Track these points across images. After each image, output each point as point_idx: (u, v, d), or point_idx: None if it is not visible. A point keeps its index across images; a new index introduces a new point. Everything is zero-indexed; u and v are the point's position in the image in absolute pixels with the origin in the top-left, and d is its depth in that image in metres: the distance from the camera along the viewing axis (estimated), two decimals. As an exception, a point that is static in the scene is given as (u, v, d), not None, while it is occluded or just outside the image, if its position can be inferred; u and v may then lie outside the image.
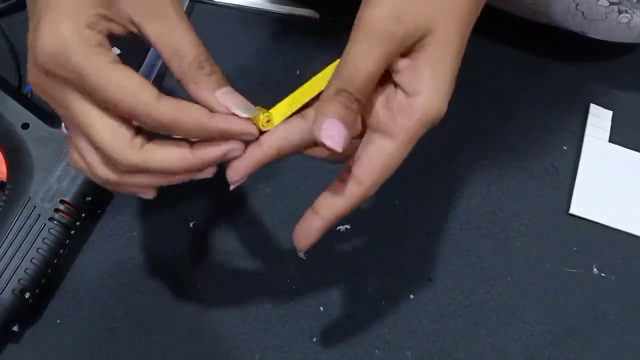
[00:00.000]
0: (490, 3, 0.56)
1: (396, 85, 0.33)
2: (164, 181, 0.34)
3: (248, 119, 0.33)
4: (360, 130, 0.35)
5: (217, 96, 0.32)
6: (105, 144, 0.31)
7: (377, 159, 0.33)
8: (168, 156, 0.32)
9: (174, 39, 0.31)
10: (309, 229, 0.35)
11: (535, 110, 0.56)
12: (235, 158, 0.34)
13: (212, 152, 0.33)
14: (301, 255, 0.36)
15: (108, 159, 0.32)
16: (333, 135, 0.31)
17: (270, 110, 0.34)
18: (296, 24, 0.58)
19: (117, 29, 0.32)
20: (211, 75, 0.32)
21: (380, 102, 0.33)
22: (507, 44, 0.58)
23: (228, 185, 0.51)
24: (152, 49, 0.55)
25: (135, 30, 0.32)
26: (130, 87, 0.30)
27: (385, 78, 0.33)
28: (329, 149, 0.31)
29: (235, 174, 0.34)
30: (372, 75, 0.31)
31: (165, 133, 0.32)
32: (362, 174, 0.33)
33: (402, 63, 0.32)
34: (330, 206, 0.34)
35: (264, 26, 0.58)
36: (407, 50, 0.32)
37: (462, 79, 0.56)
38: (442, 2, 0.32)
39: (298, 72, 0.55)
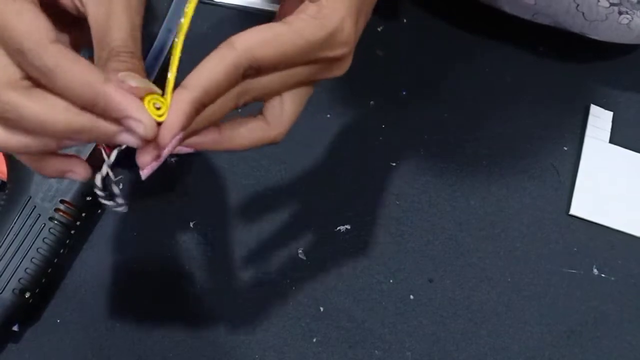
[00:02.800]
0: (491, 4, 0.56)
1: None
2: (35, 147, 0.30)
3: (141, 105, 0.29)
4: None
5: (119, 76, 0.29)
6: (19, 29, 0.28)
7: (261, 30, 0.30)
8: (54, 104, 0.28)
9: (105, 25, 0.30)
10: (172, 108, 0.29)
11: (536, 111, 0.56)
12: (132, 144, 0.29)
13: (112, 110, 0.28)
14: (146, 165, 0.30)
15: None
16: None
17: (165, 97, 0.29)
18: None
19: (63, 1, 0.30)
20: (123, 62, 0.30)
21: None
22: (508, 44, 0.58)
23: (228, 185, 0.51)
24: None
25: (80, 7, 0.30)
26: (25, 29, 0.28)
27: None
28: None
29: (169, 132, 0.29)
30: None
31: (46, 83, 0.28)
32: (238, 38, 0.30)
33: None
34: (196, 73, 0.29)
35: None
36: None
37: (462, 79, 0.57)
38: None
39: (298, 72, 0.55)
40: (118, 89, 0.29)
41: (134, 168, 0.51)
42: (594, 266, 0.50)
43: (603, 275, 0.50)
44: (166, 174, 0.51)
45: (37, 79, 0.29)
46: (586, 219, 0.52)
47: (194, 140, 0.32)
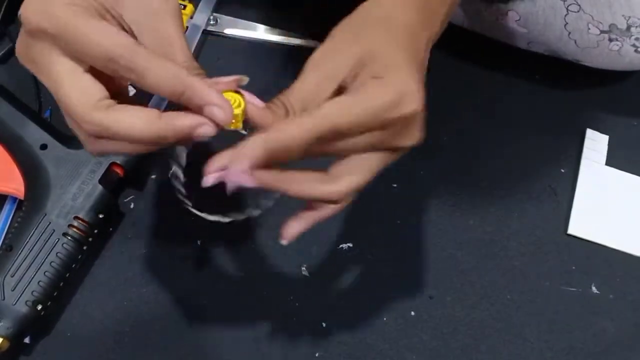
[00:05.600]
0: (489, 34, 0.59)
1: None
2: (130, 149, 0.34)
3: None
4: None
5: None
6: (70, 102, 0.32)
7: (338, 102, 0.33)
8: (135, 118, 0.32)
9: (166, 51, 0.34)
10: (248, 147, 0.32)
11: (534, 135, 0.58)
12: (203, 138, 0.33)
13: (183, 120, 0.32)
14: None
15: (73, 121, 0.33)
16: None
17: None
18: (302, 55, 0.60)
19: (110, 20, 0.33)
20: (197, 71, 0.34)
21: None
22: (506, 72, 0.61)
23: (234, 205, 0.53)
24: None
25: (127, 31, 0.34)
26: (109, 31, 0.32)
27: None
28: None
29: (238, 164, 0.32)
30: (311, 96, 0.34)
31: (138, 84, 0.32)
32: (319, 109, 0.33)
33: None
34: (279, 129, 0.32)
35: (272, 58, 0.61)
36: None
37: (462, 106, 0.59)
38: (375, 36, 0.35)
39: (304, 99, 0.58)
40: (201, 80, 0.32)
41: (143, 190, 0.53)
42: (593, 284, 0.51)
43: (601, 293, 0.51)
44: (174, 193, 0.53)
45: (130, 80, 0.32)
46: (584, 238, 0.53)
47: (259, 174, 0.34)
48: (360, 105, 0.33)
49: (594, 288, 0.51)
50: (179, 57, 0.34)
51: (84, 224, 0.48)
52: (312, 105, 0.34)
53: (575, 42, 0.54)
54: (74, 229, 0.48)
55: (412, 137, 0.36)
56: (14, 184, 0.50)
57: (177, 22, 0.35)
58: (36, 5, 0.32)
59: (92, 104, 0.32)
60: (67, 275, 0.48)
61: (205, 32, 0.61)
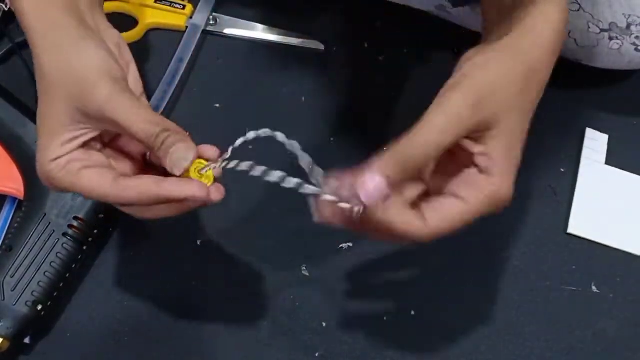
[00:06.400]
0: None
1: (474, 165, 0.37)
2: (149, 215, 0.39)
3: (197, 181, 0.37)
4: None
5: (167, 161, 0.36)
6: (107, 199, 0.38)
7: (449, 209, 0.37)
8: (138, 188, 0.37)
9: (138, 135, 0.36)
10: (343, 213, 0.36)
11: (534, 135, 0.57)
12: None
13: (182, 188, 0.36)
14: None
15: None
16: (369, 189, 0.34)
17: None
18: (302, 55, 0.60)
19: (95, 132, 0.38)
20: (167, 142, 0.36)
21: (458, 177, 0.37)
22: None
23: (234, 204, 0.53)
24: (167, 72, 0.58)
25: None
26: (91, 188, 0.37)
27: (466, 158, 0.37)
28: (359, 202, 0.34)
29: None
30: (436, 147, 0.35)
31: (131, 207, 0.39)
32: (431, 215, 0.36)
33: (477, 148, 0.36)
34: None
35: (272, 57, 0.61)
36: (477, 138, 0.36)
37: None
38: (510, 102, 0.37)
39: (303, 99, 0.58)
40: (167, 184, 0.36)
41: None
42: (593, 283, 0.51)
43: (601, 292, 0.51)
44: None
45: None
46: (584, 237, 0.53)
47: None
48: (462, 218, 0.37)
49: (594, 287, 0.51)
50: (139, 135, 0.36)
51: (84, 223, 0.48)
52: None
53: (575, 41, 0.54)
54: (74, 229, 0.48)
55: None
56: (14, 184, 0.50)
57: (126, 101, 0.36)
58: (43, 169, 0.38)
59: (107, 184, 0.37)
60: (67, 275, 0.48)
61: (205, 32, 0.61)
